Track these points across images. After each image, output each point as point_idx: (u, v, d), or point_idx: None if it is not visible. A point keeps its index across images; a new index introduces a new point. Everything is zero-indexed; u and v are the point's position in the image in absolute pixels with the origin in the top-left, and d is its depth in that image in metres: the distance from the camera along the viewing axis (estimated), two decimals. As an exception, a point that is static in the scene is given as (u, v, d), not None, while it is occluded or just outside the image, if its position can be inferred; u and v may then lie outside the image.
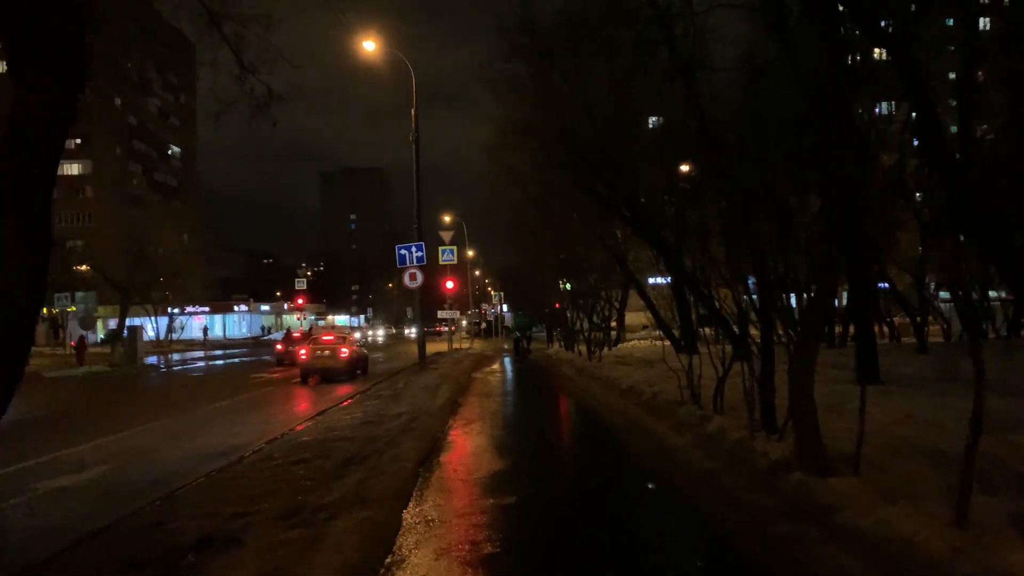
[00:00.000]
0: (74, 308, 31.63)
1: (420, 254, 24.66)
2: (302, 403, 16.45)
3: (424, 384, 17.47)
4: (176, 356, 45.65)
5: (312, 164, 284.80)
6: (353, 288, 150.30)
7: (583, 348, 25.10)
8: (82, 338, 34.67)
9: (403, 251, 24.74)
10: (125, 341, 35.91)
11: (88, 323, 31.51)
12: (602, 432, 10.60)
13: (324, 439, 9.82)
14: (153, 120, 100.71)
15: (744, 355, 10.22)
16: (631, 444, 9.50)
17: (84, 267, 51.10)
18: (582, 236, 26.43)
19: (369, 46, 26.08)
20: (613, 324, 31.86)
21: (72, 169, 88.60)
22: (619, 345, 31.91)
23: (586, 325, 27.18)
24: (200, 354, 47.99)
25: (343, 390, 18.77)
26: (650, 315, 25.87)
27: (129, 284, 37.89)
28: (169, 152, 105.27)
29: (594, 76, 20.75)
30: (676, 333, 26.43)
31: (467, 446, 9.56)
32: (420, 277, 24.59)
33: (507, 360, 32.56)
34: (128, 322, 74.98)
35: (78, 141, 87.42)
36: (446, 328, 71.89)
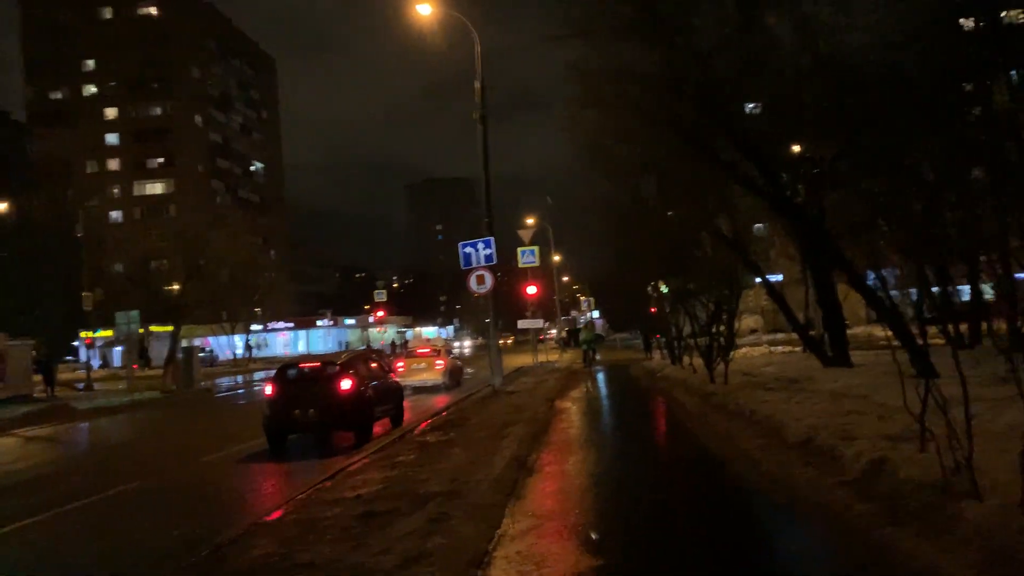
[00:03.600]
0: (111, 332, 28.63)
1: (489, 251, 20.03)
2: (315, 458, 12.03)
3: (489, 421, 12.81)
4: (230, 380, 42.30)
5: (401, 179, 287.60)
6: (441, 299, 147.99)
7: (696, 362, 19.95)
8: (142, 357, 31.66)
9: (468, 249, 20.16)
10: (179, 363, 32.70)
11: (131, 344, 28.30)
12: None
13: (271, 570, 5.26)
14: (236, 137, 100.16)
15: (928, 372, 6.37)
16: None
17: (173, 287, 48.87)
18: (687, 224, 21.32)
19: (425, 9, 21.96)
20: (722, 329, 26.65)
21: (155, 188, 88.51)
22: (731, 354, 26.52)
23: (692, 329, 21.82)
24: (264, 374, 44.71)
25: (379, 431, 14.34)
26: (759, 318, 20.31)
27: (180, 302, 34.83)
28: (252, 168, 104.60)
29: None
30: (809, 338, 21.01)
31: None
32: (490, 280, 19.95)
33: (600, 377, 27.60)
34: (194, 342, 73.79)
35: (161, 160, 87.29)
36: (544, 337, 67.46)
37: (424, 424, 13.95)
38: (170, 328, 60.87)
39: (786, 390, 13.37)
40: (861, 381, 14.25)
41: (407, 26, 22.71)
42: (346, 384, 12.55)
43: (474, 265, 20.05)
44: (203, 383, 35.57)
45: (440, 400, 20.45)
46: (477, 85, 22.62)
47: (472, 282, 20.01)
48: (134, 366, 43.55)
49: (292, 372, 13.42)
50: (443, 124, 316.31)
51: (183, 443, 15.29)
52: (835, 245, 14.89)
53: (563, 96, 23.63)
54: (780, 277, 33.82)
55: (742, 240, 19.95)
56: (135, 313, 27.95)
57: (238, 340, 64.43)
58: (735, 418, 10.96)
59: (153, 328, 46.65)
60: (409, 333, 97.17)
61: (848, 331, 23.94)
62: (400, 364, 24.39)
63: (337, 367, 13.10)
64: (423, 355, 24.81)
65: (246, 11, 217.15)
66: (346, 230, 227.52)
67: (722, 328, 17.86)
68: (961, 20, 23.96)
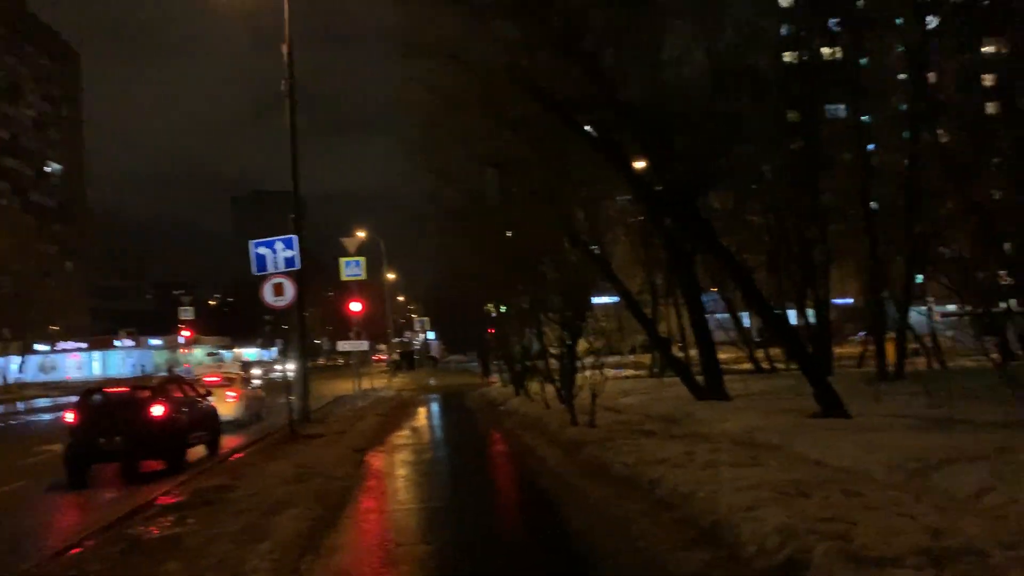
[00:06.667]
0: None
1: (291, 254, 15.52)
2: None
3: (259, 493, 8.48)
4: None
5: (228, 192, 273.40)
6: (266, 318, 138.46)
7: (548, 392, 16.48)
8: None
9: (262, 249, 15.53)
10: None
11: None
12: None
13: None
14: (27, 133, 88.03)
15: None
16: None
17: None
18: (537, 227, 17.92)
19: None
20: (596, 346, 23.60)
21: (-80, 186, 75.69)
22: (600, 383, 23.45)
23: (541, 349, 18.33)
24: (33, 403, 37.17)
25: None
26: (592, 340, 16.79)
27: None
28: (48, 170, 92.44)
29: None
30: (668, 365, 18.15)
31: None
32: (291, 291, 15.47)
33: (435, 409, 23.64)
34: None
35: (-73, 154, 74.70)
36: (392, 357, 61.74)
37: (164, 493, 9.41)
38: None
39: (676, 437, 10.00)
40: (756, 421, 11.16)
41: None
42: (157, 410, 12.00)
43: (270, 271, 15.48)
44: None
45: (223, 444, 15.65)
46: (284, 49, 18.29)
47: (267, 292, 15.40)
48: None
49: (97, 397, 12.81)
50: (272, 138, 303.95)
51: None
52: (726, 250, 11.82)
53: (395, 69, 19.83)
54: (616, 299, 31.54)
55: (603, 248, 16.79)
56: None
57: (15, 362, 55.53)
58: (627, 492, 7.19)
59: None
60: (228, 355, 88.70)
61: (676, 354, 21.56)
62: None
63: (147, 391, 12.83)
64: (211, 384, 19.50)
65: (66, 10, 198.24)
66: (170, 244, 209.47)
67: (597, 346, 14.61)
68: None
